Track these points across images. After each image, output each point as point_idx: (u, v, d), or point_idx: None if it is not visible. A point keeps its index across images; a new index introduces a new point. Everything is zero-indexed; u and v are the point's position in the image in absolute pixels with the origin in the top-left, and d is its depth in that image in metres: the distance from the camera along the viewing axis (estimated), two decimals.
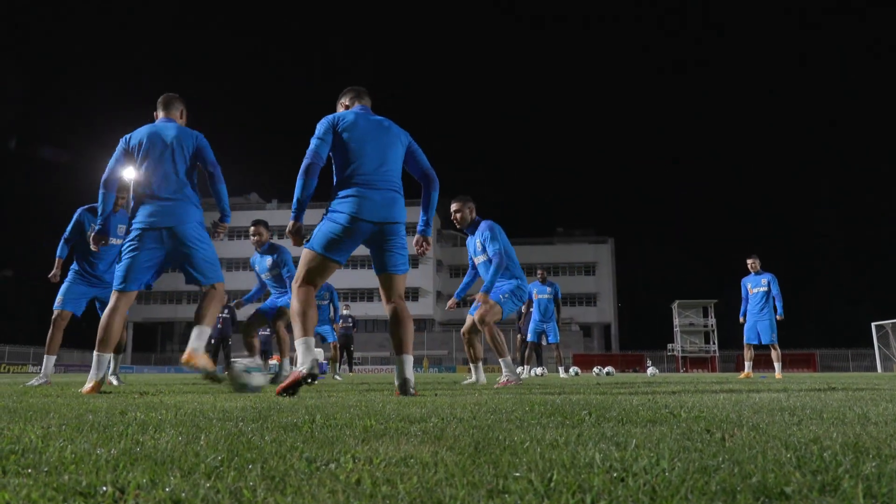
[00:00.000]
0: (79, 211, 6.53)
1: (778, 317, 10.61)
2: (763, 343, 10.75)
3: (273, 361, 22.06)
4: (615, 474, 1.08)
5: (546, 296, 12.05)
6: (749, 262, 10.97)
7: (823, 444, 1.43)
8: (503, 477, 1.07)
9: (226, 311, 15.84)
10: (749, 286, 10.94)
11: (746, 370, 10.88)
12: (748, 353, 10.94)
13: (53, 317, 6.44)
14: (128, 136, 4.64)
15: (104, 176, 4.62)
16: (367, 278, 61.45)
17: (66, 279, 6.49)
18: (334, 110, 4.34)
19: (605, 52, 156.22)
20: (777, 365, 10.74)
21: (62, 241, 6.46)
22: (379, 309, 61.95)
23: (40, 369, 6.53)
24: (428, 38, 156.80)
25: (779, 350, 10.76)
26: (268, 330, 19.21)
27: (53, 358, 6.46)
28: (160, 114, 4.81)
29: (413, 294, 64.92)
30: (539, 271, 12.48)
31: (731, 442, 1.49)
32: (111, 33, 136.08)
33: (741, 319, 11.00)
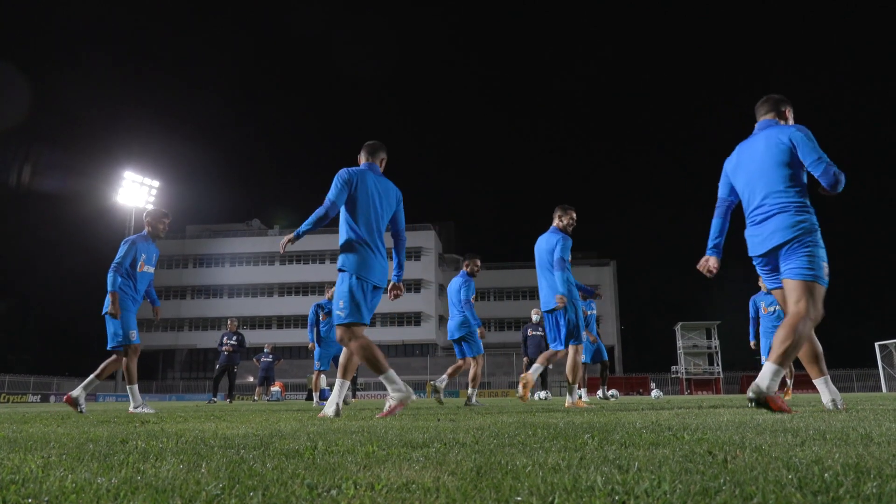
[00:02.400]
0: (131, 239, 6.62)
1: None
2: None
3: (275, 388, 21.93)
4: (617, 497, 1.08)
5: (594, 311, 11.94)
6: (762, 281, 10.61)
7: (825, 464, 1.42)
8: (504, 501, 1.07)
9: (234, 338, 15.80)
10: (763, 305, 10.46)
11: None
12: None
13: (130, 352, 6.52)
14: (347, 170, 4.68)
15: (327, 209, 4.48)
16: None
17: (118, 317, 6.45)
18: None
19: (603, 70, 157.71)
20: (789, 382, 10.61)
21: (115, 273, 6.41)
22: (378, 334, 61.78)
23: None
24: (427, 58, 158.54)
25: (793, 369, 10.48)
26: (270, 356, 19.25)
27: (136, 386, 6.68)
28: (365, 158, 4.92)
29: (415, 318, 64.77)
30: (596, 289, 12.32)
31: (733, 464, 1.48)
32: (112, 57, 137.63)
33: (752, 344, 10.51)
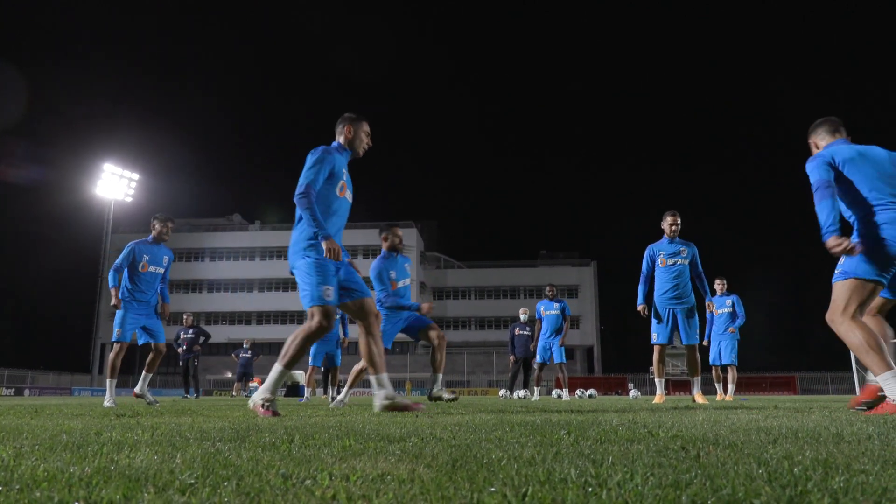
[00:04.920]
0: (131, 244, 7.15)
1: (730, 328, 10.77)
2: (723, 363, 10.83)
3: (253, 384, 21.79)
4: (590, 489, 1.09)
5: (555, 311, 11.89)
6: (717, 283, 11.10)
7: (795, 460, 1.45)
8: (478, 491, 1.08)
9: (190, 331, 15.75)
10: (714, 308, 10.89)
11: (720, 392, 10.89)
12: (717, 375, 10.96)
13: (115, 348, 6.98)
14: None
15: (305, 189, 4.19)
16: None
17: (120, 308, 7.04)
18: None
19: (586, 74, 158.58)
20: (731, 386, 10.86)
21: (113, 270, 7.04)
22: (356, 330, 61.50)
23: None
24: (412, 59, 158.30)
25: (735, 372, 10.88)
26: (249, 352, 19.12)
27: (115, 382, 7.00)
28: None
29: None
30: (548, 287, 12.27)
31: (705, 459, 1.50)
32: (92, 49, 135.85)
33: (705, 342, 10.94)
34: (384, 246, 6.75)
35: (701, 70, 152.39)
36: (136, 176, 55.96)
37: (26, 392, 39.54)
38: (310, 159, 4.27)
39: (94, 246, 60.20)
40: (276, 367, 4.11)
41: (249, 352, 19.19)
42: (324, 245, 4.06)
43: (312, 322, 4.09)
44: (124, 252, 7.08)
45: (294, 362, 4.08)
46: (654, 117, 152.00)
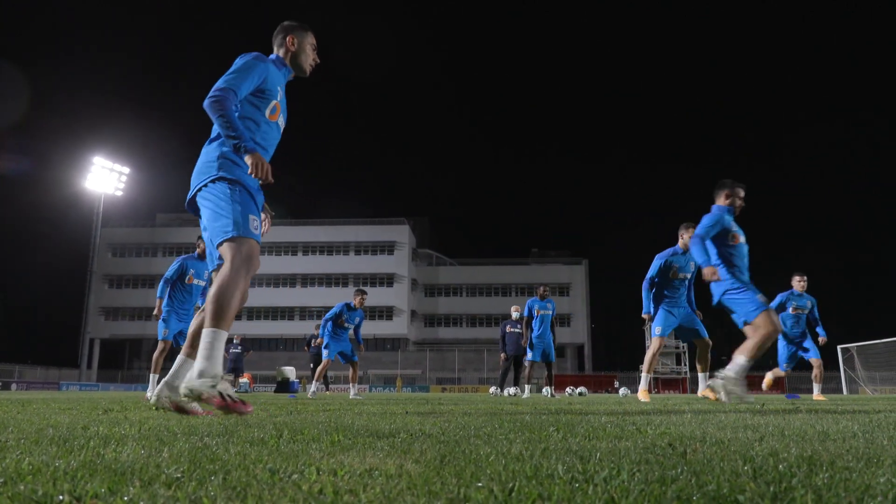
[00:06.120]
0: (181, 259, 8.21)
1: (821, 339, 9.97)
2: (808, 358, 10.13)
3: (243, 380, 21.74)
4: (577, 485, 1.10)
5: (548, 311, 11.98)
6: (797, 279, 10.05)
7: (780, 457, 1.46)
8: (465, 486, 1.08)
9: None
10: (794, 305, 10.03)
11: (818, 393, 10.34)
12: (777, 376, 10.48)
13: (159, 346, 7.91)
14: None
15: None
16: (332, 296, 61.05)
17: (164, 313, 8.00)
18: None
19: (581, 73, 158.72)
20: (817, 386, 10.24)
21: (163, 281, 8.05)
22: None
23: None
24: (405, 58, 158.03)
25: (821, 369, 10.18)
26: (239, 347, 19.07)
27: (157, 377, 7.84)
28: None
29: (387, 313, 64.62)
30: (542, 287, 12.30)
31: (692, 456, 1.51)
32: (82, 41, 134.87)
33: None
34: (723, 202, 5.95)
35: (694, 69, 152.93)
36: (126, 169, 55.70)
37: (13, 386, 39.29)
38: (238, 62, 3.36)
39: (83, 240, 59.81)
40: (209, 331, 3.10)
41: (239, 347, 19.14)
42: (248, 160, 3.11)
43: (235, 261, 3.23)
44: (175, 266, 8.09)
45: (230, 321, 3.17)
46: (646, 116, 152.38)
